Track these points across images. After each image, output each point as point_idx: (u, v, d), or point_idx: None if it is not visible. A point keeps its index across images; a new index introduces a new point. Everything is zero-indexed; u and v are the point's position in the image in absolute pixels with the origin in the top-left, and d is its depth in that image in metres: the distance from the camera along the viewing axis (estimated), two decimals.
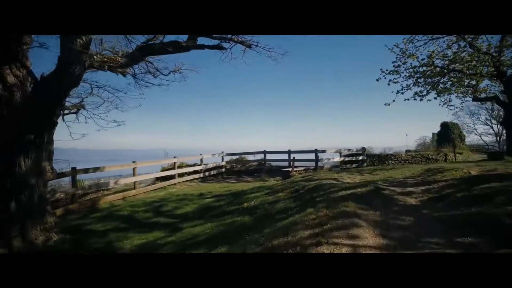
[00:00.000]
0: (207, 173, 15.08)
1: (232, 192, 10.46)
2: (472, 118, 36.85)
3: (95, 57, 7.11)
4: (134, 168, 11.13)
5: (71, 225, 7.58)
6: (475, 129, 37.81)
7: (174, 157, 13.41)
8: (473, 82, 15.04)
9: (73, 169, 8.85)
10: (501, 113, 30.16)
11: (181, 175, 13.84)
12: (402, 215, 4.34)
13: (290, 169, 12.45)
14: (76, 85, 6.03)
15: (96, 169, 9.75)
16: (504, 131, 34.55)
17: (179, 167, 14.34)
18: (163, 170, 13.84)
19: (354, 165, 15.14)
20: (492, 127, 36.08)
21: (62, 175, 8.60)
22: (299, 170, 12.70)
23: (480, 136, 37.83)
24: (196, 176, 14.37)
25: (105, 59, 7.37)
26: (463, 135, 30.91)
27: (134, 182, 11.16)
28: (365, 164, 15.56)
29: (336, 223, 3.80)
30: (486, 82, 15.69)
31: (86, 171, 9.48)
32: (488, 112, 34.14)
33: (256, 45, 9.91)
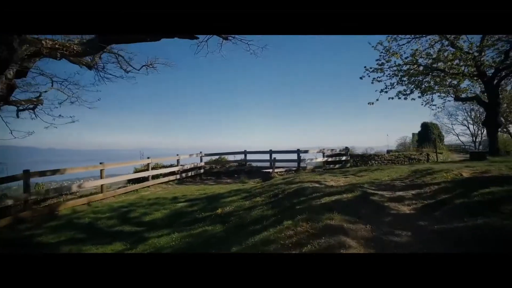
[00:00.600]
0: (184, 175, 14.07)
1: (207, 196, 9.55)
2: (451, 119, 37.21)
3: (43, 42, 6.04)
4: (101, 170, 10.01)
5: (17, 238, 6.47)
6: (453, 130, 38.23)
7: (148, 158, 12.33)
8: (455, 82, 14.72)
9: (25, 172, 7.70)
10: (479, 114, 30.46)
11: (155, 176, 12.80)
12: (397, 229, 3.56)
13: (270, 170, 11.63)
14: (3, 72, 4.95)
15: (54, 172, 8.61)
16: (480, 132, 35.10)
17: (154, 168, 13.30)
18: (136, 171, 12.76)
19: (337, 166, 14.51)
20: (468, 128, 36.55)
21: (10, 179, 7.45)
22: (280, 171, 11.89)
23: (458, 136, 38.29)
24: (173, 177, 13.33)
25: (57, 46, 6.29)
26: (442, 135, 31.04)
27: (102, 185, 10.04)
28: (348, 164, 14.96)
29: (319, 243, 2.97)
30: (467, 82, 15.46)
31: (42, 174, 8.33)
32: (466, 112, 34.50)
33: (233, 37, 9.06)
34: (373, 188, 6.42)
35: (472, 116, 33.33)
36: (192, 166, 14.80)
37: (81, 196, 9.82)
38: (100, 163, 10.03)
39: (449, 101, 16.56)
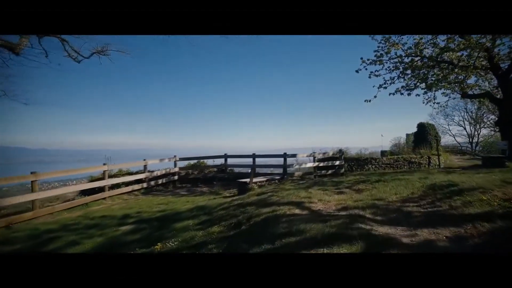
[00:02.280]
0: (153, 182, 11.67)
1: (164, 214, 7.21)
2: (447, 119, 34.98)
3: None
4: (32, 182, 7.61)
5: None
6: (450, 130, 35.97)
7: (104, 164, 9.89)
8: (461, 77, 12.42)
9: None
10: (480, 113, 28.24)
11: (117, 185, 10.41)
12: None
13: (248, 180, 9.23)
14: None
15: None
16: (477, 132, 32.92)
17: (115, 175, 10.93)
18: (92, 180, 10.36)
19: (330, 171, 12.17)
20: (465, 128, 34.30)
21: None
22: (260, 181, 9.49)
23: (454, 137, 36.01)
24: (138, 186, 10.92)
25: None
26: (439, 136, 28.80)
27: (33, 201, 7.65)
28: (343, 169, 12.62)
29: None
30: (474, 78, 13.18)
31: None
32: (466, 113, 32.22)
33: None
34: (380, 218, 4.10)
35: (474, 116, 31.01)
36: (164, 172, 12.40)
37: (3, 216, 7.43)
38: (32, 173, 7.63)
39: (454, 98, 14.28)
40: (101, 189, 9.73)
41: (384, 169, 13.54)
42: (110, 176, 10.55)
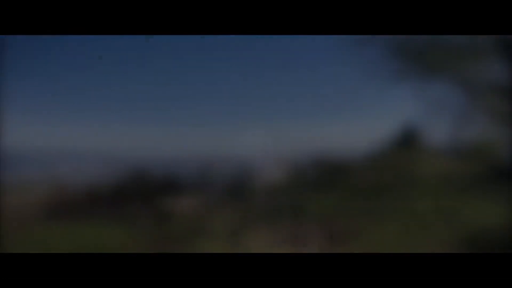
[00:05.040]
0: (62, 202, 8.26)
1: None
2: (430, 118, 33.71)
3: None
4: None
5: None
6: (431, 130, 34.72)
7: None
8: (463, 64, 9.81)
9: None
10: (471, 110, 26.47)
11: None
12: None
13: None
14: None
15: None
16: (460, 133, 31.47)
17: None
18: None
19: (303, 181, 9.18)
20: (447, 129, 32.99)
21: None
22: (188, 202, 6.35)
23: (434, 138, 34.75)
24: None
25: None
26: (421, 138, 27.14)
27: None
28: (320, 178, 9.67)
29: None
30: (478, 66, 10.60)
31: None
32: (453, 109, 30.69)
33: None
34: None
35: (462, 114, 29.44)
36: (85, 185, 9.00)
37: None
38: None
39: (451, 92, 11.67)
40: None
41: (369, 178, 10.78)
42: None
